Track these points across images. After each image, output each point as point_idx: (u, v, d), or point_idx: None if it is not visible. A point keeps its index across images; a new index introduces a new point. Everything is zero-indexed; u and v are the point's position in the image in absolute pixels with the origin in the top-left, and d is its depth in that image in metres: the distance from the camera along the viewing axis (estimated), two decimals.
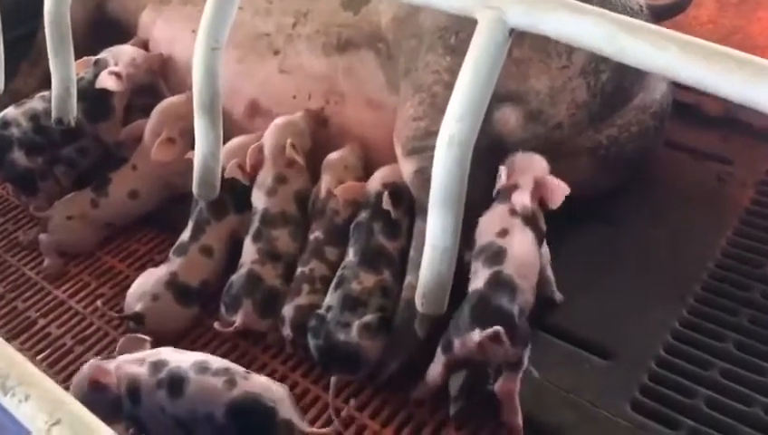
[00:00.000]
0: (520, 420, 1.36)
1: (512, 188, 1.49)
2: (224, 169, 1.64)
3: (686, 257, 1.74)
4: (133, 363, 1.35)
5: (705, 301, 1.65)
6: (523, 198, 1.45)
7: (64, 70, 1.70)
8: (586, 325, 1.60)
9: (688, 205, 1.89)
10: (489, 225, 1.46)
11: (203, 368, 1.33)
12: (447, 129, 1.08)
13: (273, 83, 1.91)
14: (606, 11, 0.97)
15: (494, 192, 1.51)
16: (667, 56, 0.88)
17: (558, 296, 1.62)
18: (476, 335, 1.27)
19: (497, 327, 1.25)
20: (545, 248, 1.54)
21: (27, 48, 2.38)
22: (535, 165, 1.53)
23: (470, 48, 1.06)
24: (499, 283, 1.35)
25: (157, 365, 1.34)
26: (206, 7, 1.35)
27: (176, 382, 1.32)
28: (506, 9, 1.03)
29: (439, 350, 1.37)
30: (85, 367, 1.35)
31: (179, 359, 1.35)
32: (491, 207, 1.51)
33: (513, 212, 1.46)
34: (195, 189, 1.51)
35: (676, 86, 2.02)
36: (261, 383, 1.32)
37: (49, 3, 1.64)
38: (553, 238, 1.56)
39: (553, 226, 1.55)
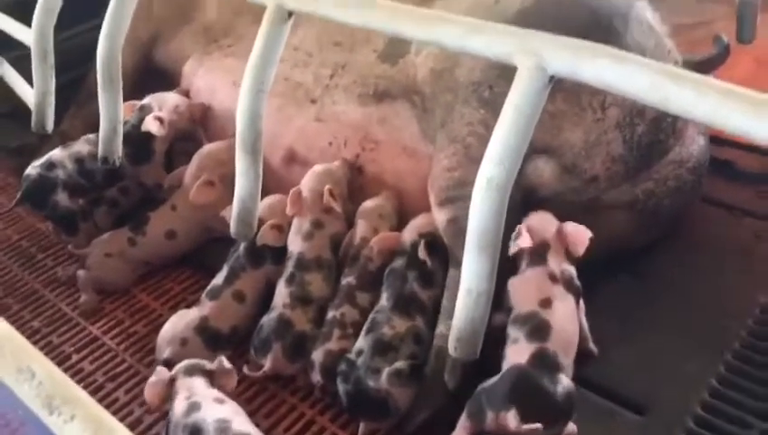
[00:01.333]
0: None
1: (544, 247, 1.50)
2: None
3: (723, 314, 1.72)
4: (182, 394, 1.39)
5: (742, 358, 1.62)
6: (561, 263, 1.47)
7: (113, 110, 1.75)
8: (621, 380, 1.57)
9: (725, 261, 1.87)
10: (528, 292, 1.47)
11: (223, 428, 1.32)
12: (486, 172, 1.09)
13: (310, 131, 1.96)
14: (647, 59, 0.99)
15: (514, 251, 1.50)
16: (708, 102, 0.89)
17: (594, 349, 1.60)
18: (513, 419, 1.27)
19: (538, 425, 1.25)
20: (581, 304, 1.54)
21: (75, 93, 2.48)
22: (550, 221, 1.54)
23: (510, 93, 1.08)
24: (543, 361, 1.36)
25: (191, 407, 1.36)
26: (253, 53, 1.40)
27: (195, 433, 1.33)
28: (547, 56, 1.05)
29: (466, 413, 1.36)
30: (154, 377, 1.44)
31: (209, 409, 1.36)
32: (523, 270, 1.51)
33: (552, 278, 1.47)
34: (232, 228, 1.53)
35: (713, 142, 2.04)
36: None
37: (102, 44, 1.71)
38: (589, 291, 1.56)
39: (590, 279, 1.55)
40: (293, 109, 1.99)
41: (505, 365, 1.39)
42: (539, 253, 1.51)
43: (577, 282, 1.51)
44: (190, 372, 1.43)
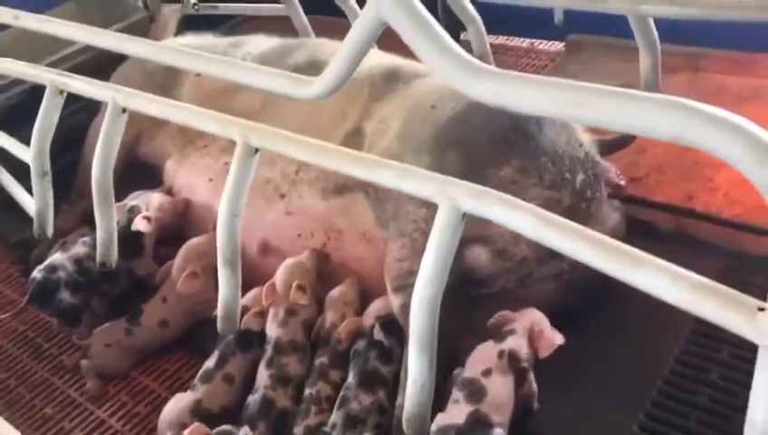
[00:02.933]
0: None
1: (510, 331, 1.77)
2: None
3: (643, 365, 1.96)
4: None
5: (660, 405, 1.84)
6: (516, 346, 1.73)
7: (108, 222, 2.02)
8: (558, 430, 1.82)
9: (647, 316, 2.11)
10: (476, 361, 1.74)
11: None
12: (419, 292, 1.36)
13: (281, 224, 2.20)
14: (536, 208, 1.27)
15: (489, 325, 1.79)
16: (576, 247, 1.17)
17: (535, 405, 1.86)
18: None
19: None
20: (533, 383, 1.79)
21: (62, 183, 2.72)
22: (531, 317, 1.80)
23: (433, 227, 1.36)
24: (478, 420, 1.62)
25: None
26: (227, 184, 1.67)
27: None
28: (459, 199, 1.33)
29: None
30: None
31: None
32: (485, 343, 1.77)
33: (500, 355, 1.73)
34: (219, 326, 1.79)
35: (632, 203, 2.31)
36: None
37: (96, 169, 1.98)
38: None
39: None
40: (264, 203, 2.25)
41: (446, 419, 1.64)
42: (503, 335, 1.78)
43: (524, 364, 1.75)
44: (219, 433, 1.72)
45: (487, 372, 1.73)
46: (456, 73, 1.12)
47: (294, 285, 1.98)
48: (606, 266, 1.14)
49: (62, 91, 2.09)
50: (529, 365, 1.77)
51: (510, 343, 1.75)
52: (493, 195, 1.32)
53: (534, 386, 1.82)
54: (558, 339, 1.76)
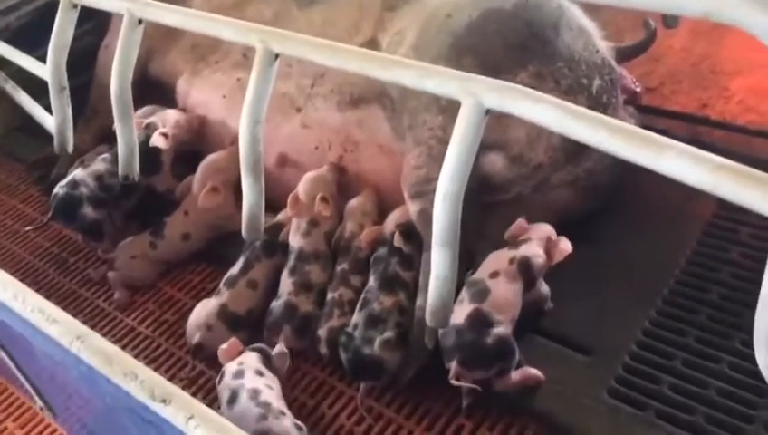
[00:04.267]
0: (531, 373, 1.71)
1: (525, 240, 1.82)
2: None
3: (655, 266, 2.00)
4: (236, 361, 1.74)
5: (671, 302, 1.91)
6: (528, 253, 1.78)
7: (129, 136, 2.03)
8: (571, 328, 1.87)
9: (659, 220, 2.16)
10: (487, 264, 1.80)
11: (254, 395, 1.65)
12: (442, 187, 1.39)
13: (298, 137, 2.23)
14: (559, 100, 1.29)
15: (507, 235, 1.84)
16: (599, 136, 1.20)
17: (548, 305, 1.93)
18: (455, 368, 1.65)
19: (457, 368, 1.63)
20: (545, 287, 1.87)
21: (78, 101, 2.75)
22: (545, 229, 1.85)
23: (456, 124, 1.38)
24: (477, 319, 1.69)
25: (237, 374, 1.70)
26: (248, 91, 1.67)
27: (233, 396, 1.67)
28: (482, 96, 1.35)
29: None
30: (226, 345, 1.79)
31: (249, 378, 1.69)
32: (499, 250, 1.83)
33: (511, 260, 1.78)
34: (244, 233, 1.82)
35: (646, 112, 2.33)
36: (284, 428, 1.60)
37: (114, 82, 1.98)
38: None
39: None
40: (281, 117, 2.27)
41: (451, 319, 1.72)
42: (518, 242, 1.83)
43: (535, 271, 1.81)
44: (253, 348, 1.79)
45: (494, 275, 1.78)
46: None
47: (318, 197, 2.02)
48: (630, 154, 1.16)
49: (75, 5, 2.08)
50: (539, 271, 1.82)
51: (523, 251, 1.80)
52: (516, 89, 1.33)
53: (545, 289, 1.88)
54: (569, 247, 1.81)
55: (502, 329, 1.69)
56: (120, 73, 1.97)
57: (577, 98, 1.92)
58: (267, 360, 1.78)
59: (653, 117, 2.37)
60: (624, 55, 2.22)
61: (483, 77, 1.38)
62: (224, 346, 1.79)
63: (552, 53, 1.92)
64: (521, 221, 1.87)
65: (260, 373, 1.72)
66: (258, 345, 1.82)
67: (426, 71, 1.46)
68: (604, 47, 2.06)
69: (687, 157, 1.09)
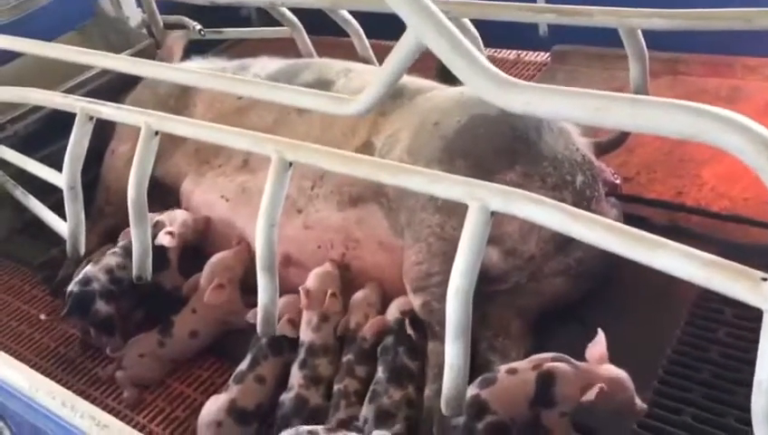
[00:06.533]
0: None
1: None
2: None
3: (645, 345, 2.06)
4: None
5: (665, 383, 1.98)
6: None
7: (144, 238, 2.15)
8: None
9: (647, 302, 2.21)
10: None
11: None
12: (454, 282, 1.51)
13: (300, 238, 2.31)
14: (559, 203, 1.42)
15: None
16: (596, 235, 1.33)
17: None
18: None
19: None
20: None
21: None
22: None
23: (465, 224, 1.51)
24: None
25: None
26: (264, 196, 1.81)
27: None
28: (488, 199, 1.49)
29: None
30: None
31: None
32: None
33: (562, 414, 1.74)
34: (258, 329, 1.92)
35: (628, 200, 2.48)
36: None
37: (131, 190, 2.10)
38: (548, 336, 1.99)
39: (542, 327, 1.97)
40: (284, 219, 2.36)
41: None
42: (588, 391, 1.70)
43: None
44: None
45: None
46: (490, 87, 1.28)
47: (329, 293, 2.12)
48: (627, 251, 1.30)
49: (91, 118, 2.22)
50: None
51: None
52: (517, 193, 1.48)
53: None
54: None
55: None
56: (138, 180, 2.10)
57: (563, 193, 2.06)
58: None
59: (634, 205, 2.52)
60: (602, 149, 2.38)
61: (486, 182, 1.53)
62: None
63: (536, 154, 2.08)
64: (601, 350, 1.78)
65: None
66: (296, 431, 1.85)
67: (434, 177, 1.61)
68: (583, 143, 2.22)
69: (680, 254, 1.23)
